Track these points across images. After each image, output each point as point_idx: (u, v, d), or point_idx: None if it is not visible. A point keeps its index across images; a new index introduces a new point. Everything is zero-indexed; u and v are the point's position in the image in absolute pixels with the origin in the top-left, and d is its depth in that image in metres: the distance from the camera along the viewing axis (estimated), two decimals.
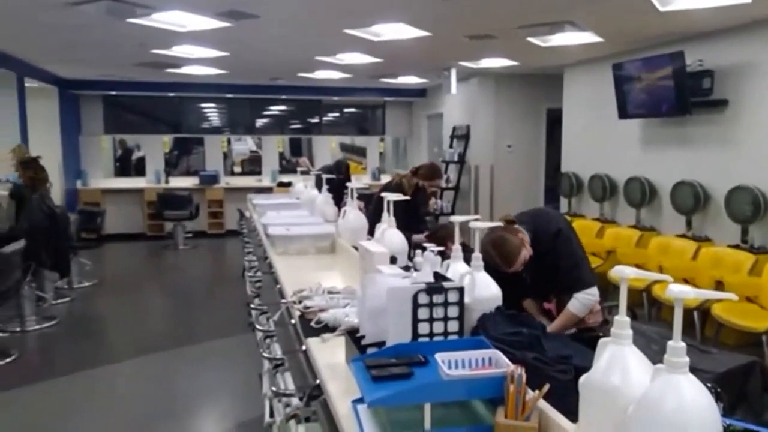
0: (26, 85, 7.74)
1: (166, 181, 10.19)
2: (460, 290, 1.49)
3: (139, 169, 10.57)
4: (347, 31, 5.37)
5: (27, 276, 4.96)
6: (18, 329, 5.14)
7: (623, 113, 6.23)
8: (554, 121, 8.48)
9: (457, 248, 1.84)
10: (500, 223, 2.40)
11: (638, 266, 1.09)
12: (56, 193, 6.63)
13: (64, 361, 4.74)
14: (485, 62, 7.39)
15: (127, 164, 10.81)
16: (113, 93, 10.09)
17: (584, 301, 2.57)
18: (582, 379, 0.99)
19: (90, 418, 3.65)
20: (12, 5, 4.58)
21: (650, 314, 5.23)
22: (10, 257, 4.39)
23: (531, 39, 5.73)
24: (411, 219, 2.72)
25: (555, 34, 5.55)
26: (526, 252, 2.46)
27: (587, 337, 2.38)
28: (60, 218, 5.67)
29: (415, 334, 1.46)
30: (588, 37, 5.68)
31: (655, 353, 0.95)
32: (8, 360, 4.46)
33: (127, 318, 5.97)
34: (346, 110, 12.07)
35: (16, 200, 5.52)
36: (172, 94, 10.18)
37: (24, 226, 5.16)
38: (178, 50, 6.44)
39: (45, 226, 5.27)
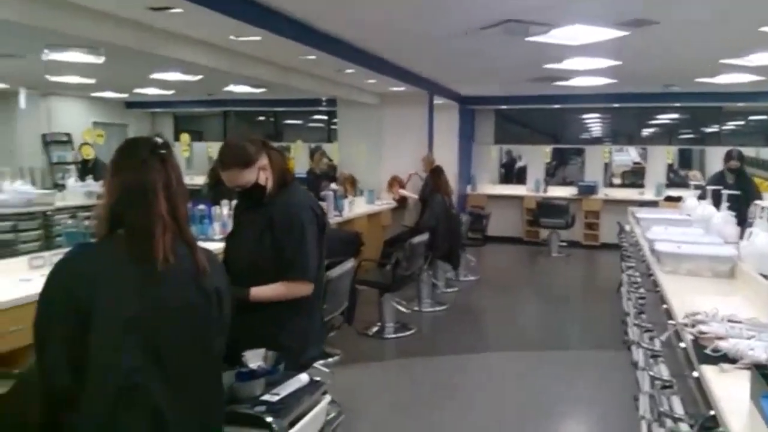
0: (434, 102, 9.07)
1: (545, 190, 10.54)
2: None
3: (520, 177, 11.22)
4: (764, 29, 4.68)
5: (426, 264, 5.82)
6: (416, 308, 6.07)
7: None
8: None
9: None
10: None
11: None
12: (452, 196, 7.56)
13: (449, 341, 5.40)
14: None
15: (511, 172, 11.58)
16: (504, 107, 10.99)
17: None
18: None
19: (466, 396, 4.08)
20: (431, 36, 5.43)
21: None
22: (417, 247, 5.23)
23: None
24: None
25: None
26: None
27: None
28: (454, 218, 6.50)
29: None
30: None
31: None
32: (408, 333, 5.33)
33: (502, 313, 6.44)
34: (751, 118, 10.44)
35: (422, 201, 6.56)
36: (556, 106, 10.49)
37: (427, 223, 6.08)
38: (569, 63, 6.61)
39: (443, 224, 6.11)
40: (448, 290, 6.85)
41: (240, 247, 2.44)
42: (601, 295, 6.93)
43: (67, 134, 10.14)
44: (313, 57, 5.67)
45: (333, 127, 10.88)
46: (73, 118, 10.30)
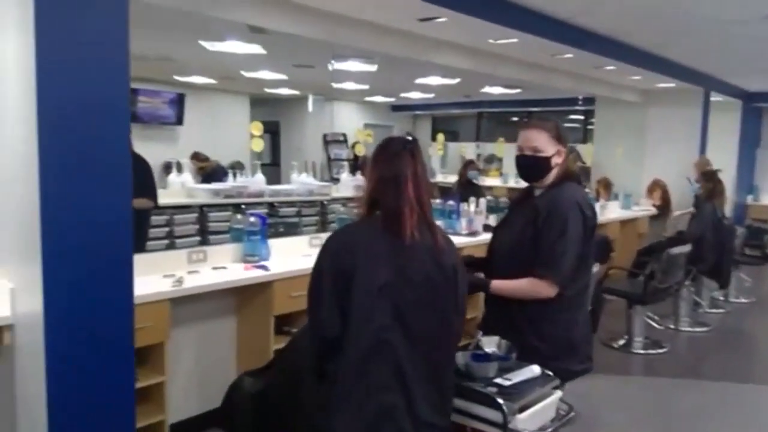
0: (711, 99, 8.08)
1: None
2: None
3: None
4: None
5: (687, 279, 5.27)
6: (672, 326, 5.53)
7: None
8: None
9: None
10: None
11: None
12: (726, 206, 6.69)
13: (708, 366, 4.83)
14: None
15: None
16: None
17: None
18: None
19: (720, 428, 3.62)
20: (711, 23, 4.88)
21: None
22: (676, 258, 4.77)
23: None
24: None
25: None
26: None
27: None
28: (725, 230, 5.75)
29: None
30: None
31: None
32: (661, 351, 4.91)
33: None
34: None
35: (695, 208, 5.94)
36: None
37: (693, 233, 5.49)
38: None
39: (710, 236, 5.46)
40: (713, 311, 6.10)
41: (503, 238, 2.44)
42: None
43: (343, 134, 11.54)
44: (570, 55, 5.55)
45: (589, 127, 10.42)
46: (349, 120, 11.67)
